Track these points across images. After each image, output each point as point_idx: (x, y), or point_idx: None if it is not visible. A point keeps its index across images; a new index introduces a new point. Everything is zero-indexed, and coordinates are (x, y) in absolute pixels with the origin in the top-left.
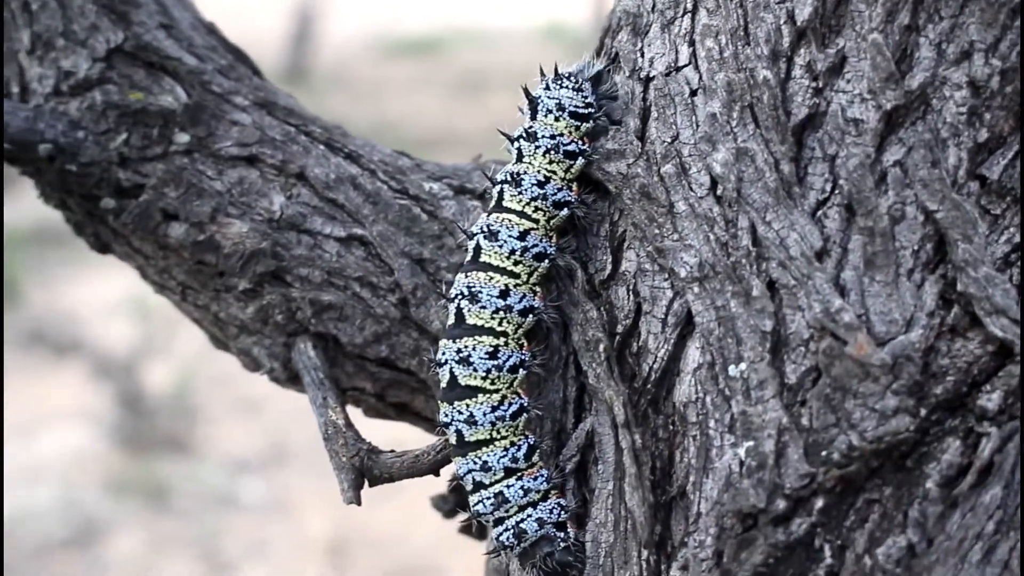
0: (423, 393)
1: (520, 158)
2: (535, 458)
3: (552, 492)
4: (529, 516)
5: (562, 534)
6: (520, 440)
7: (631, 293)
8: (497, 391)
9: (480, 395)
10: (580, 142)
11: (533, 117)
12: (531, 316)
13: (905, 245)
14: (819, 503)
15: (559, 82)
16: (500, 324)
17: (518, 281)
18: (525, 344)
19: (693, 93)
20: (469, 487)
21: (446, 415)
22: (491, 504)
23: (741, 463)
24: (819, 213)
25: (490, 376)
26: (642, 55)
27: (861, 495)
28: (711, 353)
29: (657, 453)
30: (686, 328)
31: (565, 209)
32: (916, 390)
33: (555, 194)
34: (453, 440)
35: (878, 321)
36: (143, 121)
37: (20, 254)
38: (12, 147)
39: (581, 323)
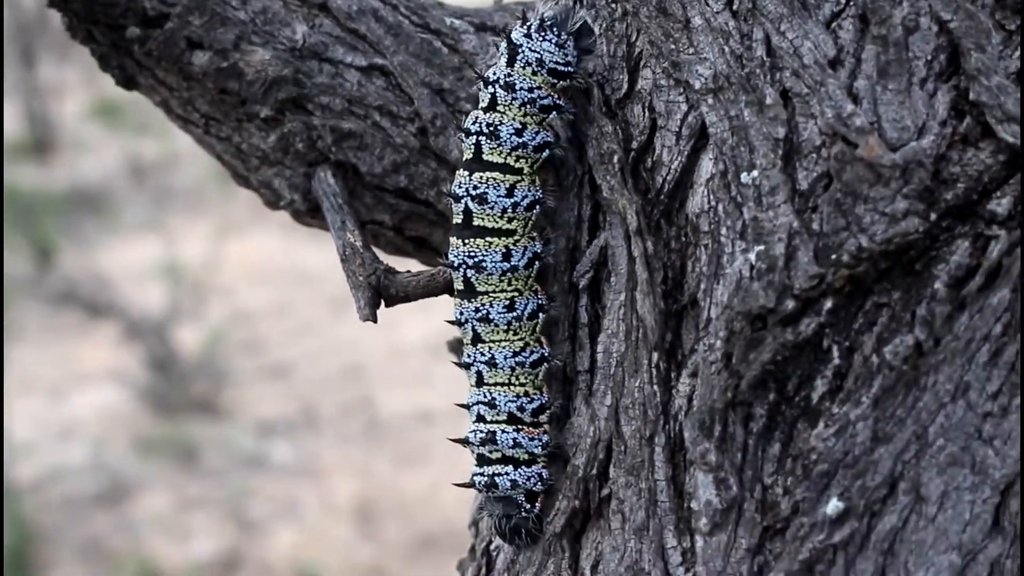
0: (441, 227)
1: (493, 105)
2: (542, 419)
3: (540, 459)
4: (506, 474)
5: (528, 505)
6: (535, 395)
7: (646, 109)
8: (520, 338)
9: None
10: (556, 96)
11: (510, 64)
12: (537, 263)
13: (918, 55)
14: (828, 304)
15: (543, 34)
16: (510, 283)
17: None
18: (539, 289)
19: None
20: (472, 417)
21: (469, 356)
22: (479, 438)
23: (751, 267)
24: (833, 24)
25: (512, 326)
26: None
27: (870, 298)
28: (724, 162)
29: (669, 263)
30: (700, 141)
31: (547, 151)
32: (926, 195)
33: (533, 139)
34: (473, 381)
35: (890, 128)
36: None
37: (54, 218)
38: None
39: (596, 137)
